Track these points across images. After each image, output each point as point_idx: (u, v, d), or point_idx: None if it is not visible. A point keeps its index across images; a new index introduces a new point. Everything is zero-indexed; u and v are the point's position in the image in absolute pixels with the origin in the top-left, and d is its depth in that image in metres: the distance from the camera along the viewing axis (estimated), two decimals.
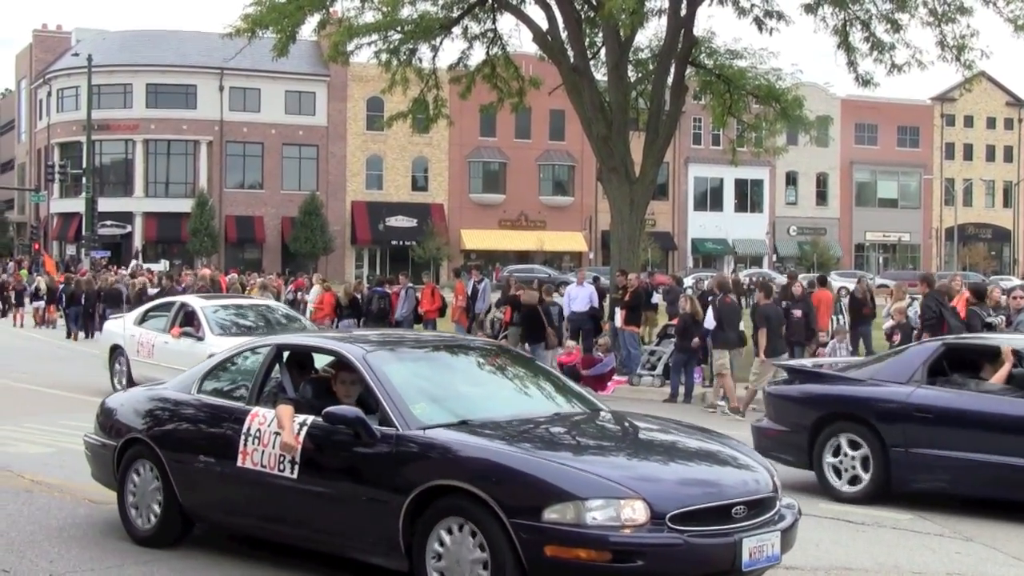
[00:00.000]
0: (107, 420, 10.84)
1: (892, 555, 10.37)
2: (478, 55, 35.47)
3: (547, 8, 31.80)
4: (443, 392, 9.39)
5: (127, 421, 10.52)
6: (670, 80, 31.84)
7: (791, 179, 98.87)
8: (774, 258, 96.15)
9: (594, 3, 30.92)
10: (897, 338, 22.32)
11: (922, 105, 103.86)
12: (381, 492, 8.33)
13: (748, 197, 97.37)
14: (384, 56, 33.50)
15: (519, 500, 7.69)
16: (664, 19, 32.24)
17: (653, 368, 25.78)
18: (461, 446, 8.24)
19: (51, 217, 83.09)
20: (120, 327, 23.45)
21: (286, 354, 9.99)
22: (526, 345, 23.93)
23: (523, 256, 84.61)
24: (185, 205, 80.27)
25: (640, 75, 34.49)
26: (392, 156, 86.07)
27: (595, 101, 31.19)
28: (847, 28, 30.44)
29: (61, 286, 44.08)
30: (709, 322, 22.50)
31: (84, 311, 40.61)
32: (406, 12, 33.02)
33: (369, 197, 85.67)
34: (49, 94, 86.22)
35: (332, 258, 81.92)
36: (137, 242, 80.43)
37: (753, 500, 8.15)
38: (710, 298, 24.44)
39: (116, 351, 22.92)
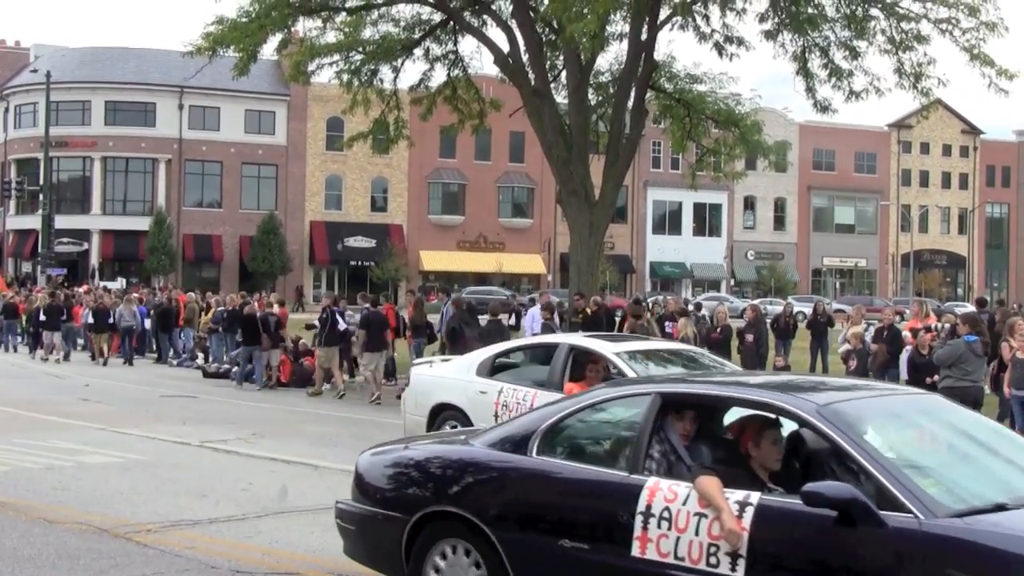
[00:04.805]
0: (381, 486, 8.66)
1: None
2: (439, 77, 35.66)
3: (508, 31, 31.93)
4: (938, 461, 7.25)
5: (422, 490, 8.39)
6: (630, 104, 32.00)
7: (749, 204, 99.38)
8: (731, 282, 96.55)
9: (555, 26, 31.04)
10: (853, 363, 22.44)
11: (879, 131, 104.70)
12: None
13: (707, 221, 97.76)
14: (345, 76, 33.60)
15: None
16: (625, 43, 32.47)
17: None
18: None
19: (6, 234, 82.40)
20: (452, 377, 16.12)
21: (671, 406, 7.76)
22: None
23: (482, 278, 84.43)
24: (143, 223, 79.81)
25: (600, 98, 34.66)
26: (352, 176, 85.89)
27: (555, 124, 31.29)
28: (806, 55, 30.68)
29: None
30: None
31: None
32: (368, 33, 33.20)
33: (328, 217, 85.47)
34: (6, 110, 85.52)
35: (290, 278, 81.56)
36: (94, 260, 79.81)
37: None
38: (667, 323, 24.52)
39: (445, 414, 15.67)
